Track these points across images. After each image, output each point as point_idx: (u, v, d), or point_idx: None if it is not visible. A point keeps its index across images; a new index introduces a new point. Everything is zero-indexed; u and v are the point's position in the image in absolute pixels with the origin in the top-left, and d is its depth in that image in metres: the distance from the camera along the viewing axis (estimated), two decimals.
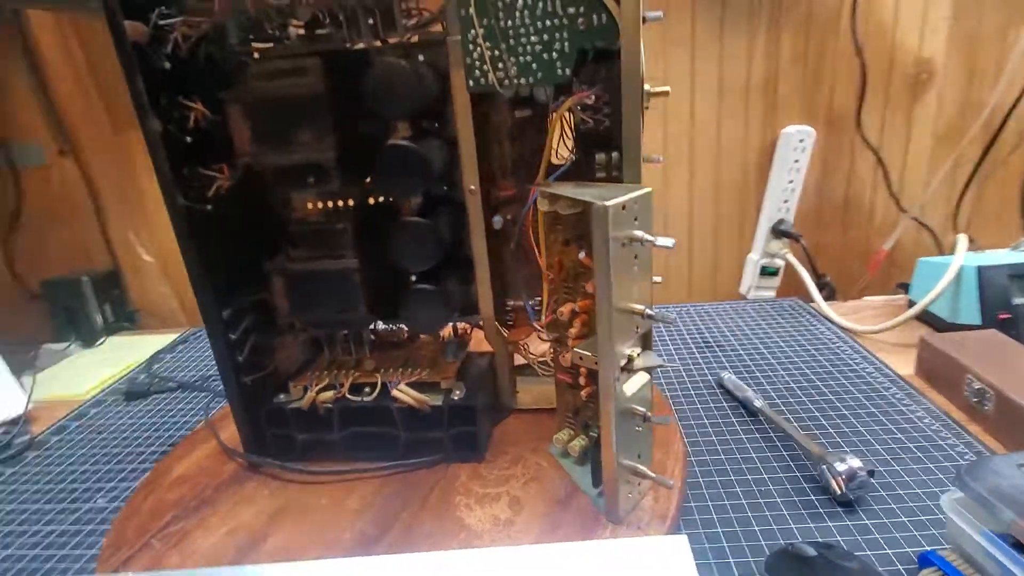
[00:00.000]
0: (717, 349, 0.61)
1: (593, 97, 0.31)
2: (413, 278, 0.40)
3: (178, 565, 0.35)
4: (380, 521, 0.37)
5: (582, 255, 0.32)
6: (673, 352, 0.62)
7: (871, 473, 0.39)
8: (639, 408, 0.32)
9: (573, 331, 0.35)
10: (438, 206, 0.41)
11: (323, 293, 0.39)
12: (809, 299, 0.70)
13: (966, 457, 0.42)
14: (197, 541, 0.37)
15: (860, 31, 0.68)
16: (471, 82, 0.32)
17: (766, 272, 0.76)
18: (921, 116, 0.70)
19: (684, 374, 0.57)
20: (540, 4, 0.30)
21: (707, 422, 0.49)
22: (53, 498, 0.48)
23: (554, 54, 0.30)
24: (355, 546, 0.35)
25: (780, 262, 0.75)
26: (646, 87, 0.32)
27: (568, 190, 0.31)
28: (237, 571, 0.31)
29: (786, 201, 0.73)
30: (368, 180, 0.39)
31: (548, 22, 0.30)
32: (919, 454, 0.43)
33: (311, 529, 0.37)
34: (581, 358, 0.33)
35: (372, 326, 0.46)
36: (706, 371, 0.57)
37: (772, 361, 0.58)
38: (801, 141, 0.71)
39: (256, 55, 0.36)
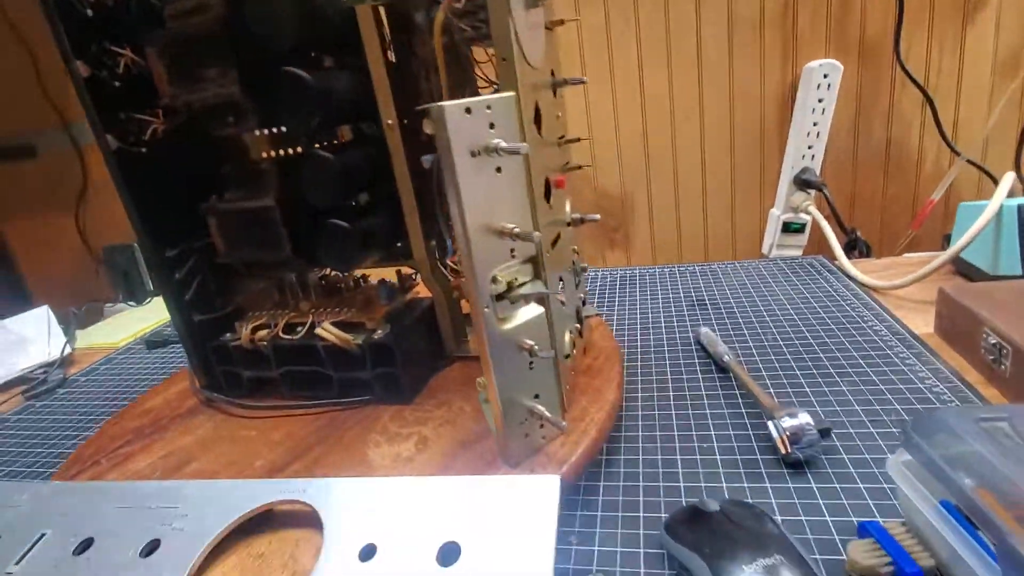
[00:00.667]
0: (709, 307, 0.56)
1: (462, 0, 0.29)
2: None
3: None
4: (293, 453, 0.37)
5: None
6: (660, 310, 0.57)
7: (825, 432, 0.34)
8: (526, 341, 0.30)
9: None
10: (367, 142, 0.40)
11: (247, 233, 0.40)
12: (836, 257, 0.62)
13: None
14: (136, 462, 0.39)
15: None
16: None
17: (790, 229, 0.69)
18: (975, 40, 0.59)
19: (664, 330, 0.53)
20: None
21: (670, 376, 0.45)
22: (66, 427, 0.54)
23: None
24: (261, 473, 0.36)
25: (806, 217, 0.67)
26: None
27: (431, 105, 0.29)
28: (140, 486, 0.33)
29: (810, 147, 0.65)
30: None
31: None
32: (907, 417, 0.36)
33: (231, 457, 0.38)
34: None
35: (323, 272, 0.47)
36: (689, 328, 0.52)
37: (767, 319, 0.52)
38: (826, 76, 0.62)
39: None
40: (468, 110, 0.25)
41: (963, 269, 0.52)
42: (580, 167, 0.39)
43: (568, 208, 0.40)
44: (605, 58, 0.68)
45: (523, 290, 0.29)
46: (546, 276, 0.30)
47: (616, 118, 0.71)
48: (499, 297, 0.29)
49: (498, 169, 0.27)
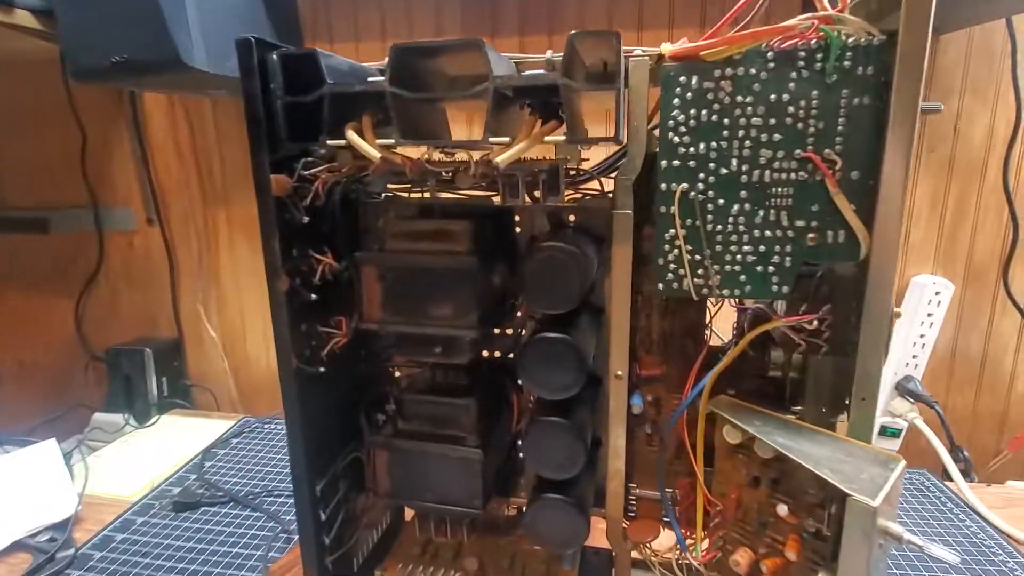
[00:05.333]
0: None
1: (816, 323, 0.26)
2: None
3: None
4: None
5: (782, 510, 0.26)
6: None
7: None
8: None
9: None
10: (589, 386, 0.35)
11: (437, 479, 0.33)
12: (941, 475, 0.60)
13: None
14: None
15: (1013, 179, 0.62)
16: (661, 285, 0.27)
17: (885, 433, 0.67)
18: None
19: None
20: (760, 212, 0.25)
21: None
22: None
23: (771, 268, 0.25)
24: None
25: (903, 423, 0.66)
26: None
27: (792, 447, 0.25)
28: None
29: (915, 356, 0.65)
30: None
31: (768, 233, 0.25)
32: None
33: None
34: None
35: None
36: None
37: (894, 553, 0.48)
38: (937, 294, 0.64)
39: (392, 206, 0.32)
40: (888, 502, 0.21)
41: None
42: None
43: None
44: None
45: None
46: None
47: None
48: None
49: (879, 545, 0.23)
